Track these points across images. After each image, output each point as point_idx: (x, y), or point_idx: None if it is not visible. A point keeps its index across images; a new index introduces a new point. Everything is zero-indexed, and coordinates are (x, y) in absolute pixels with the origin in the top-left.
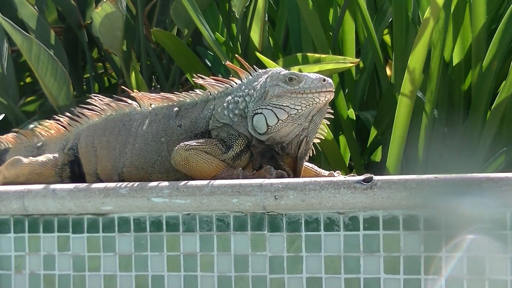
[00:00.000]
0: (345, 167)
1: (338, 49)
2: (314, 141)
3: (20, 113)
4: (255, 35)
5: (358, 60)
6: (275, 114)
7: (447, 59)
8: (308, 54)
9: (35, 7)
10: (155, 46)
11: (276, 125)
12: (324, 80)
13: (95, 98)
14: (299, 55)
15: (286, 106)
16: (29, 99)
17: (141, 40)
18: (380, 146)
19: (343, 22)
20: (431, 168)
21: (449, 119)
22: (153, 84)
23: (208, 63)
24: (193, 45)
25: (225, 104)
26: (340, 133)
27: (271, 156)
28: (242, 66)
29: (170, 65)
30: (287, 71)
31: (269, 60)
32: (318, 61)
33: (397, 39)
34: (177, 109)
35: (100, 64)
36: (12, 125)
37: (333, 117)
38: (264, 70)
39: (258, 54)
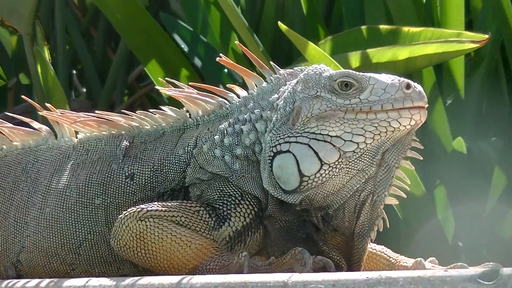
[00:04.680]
0: (447, 242)
1: (430, 20)
2: (386, 202)
3: None
4: None
5: (486, 36)
6: (316, 152)
7: None
8: (381, 26)
9: None
10: (80, 11)
11: (317, 175)
12: (408, 86)
13: None
14: (364, 28)
15: (337, 137)
16: None
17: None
18: None
19: None
20: None
21: None
22: (74, 86)
23: (183, 45)
24: (154, 11)
25: (216, 137)
26: (438, 182)
27: (305, 235)
28: (246, 63)
29: (108, 50)
30: (335, 72)
31: (304, 40)
32: (404, 37)
33: None
34: (127, 143)
35: None
36: None
37: (421, 158)
38: (289, 71)
39: (283, 26)
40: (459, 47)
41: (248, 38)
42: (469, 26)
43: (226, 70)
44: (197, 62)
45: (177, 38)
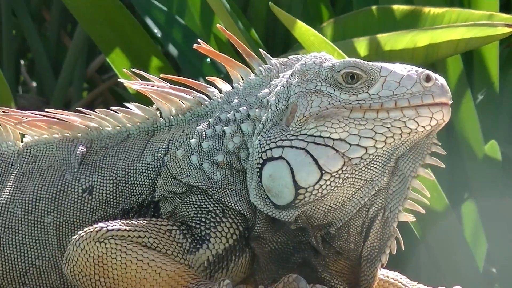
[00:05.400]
0: (477, 268)
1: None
2: (400, 219)
3: None
4: None
5: None
6: (315, 159)
7: None
8: (396, 6)
9: None
10: None
11: (317, 186)
12: (428, 78)
13: None
14: (375, 8)
15: (340, 140)
16: None
17: None
18: None
19: None
20: None
21: None
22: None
23: (155, 30)
24: None
25: (193, 141)
26: (467, 195)
27: (301, 260)
28: (232, 51)
29: (64, 36)
30: (339, 61)
31: (294, 19)
32: (424, 20)
33: None
34: (84, 148)
35: None
36: None
37: (443, 165)
38: (283, 60)
39: (274, 7)
40: (490, 32)
41: (229, 22)
42: (507, 6)
43: (208, 60)
44: (172, 50)
45: (148, 21)
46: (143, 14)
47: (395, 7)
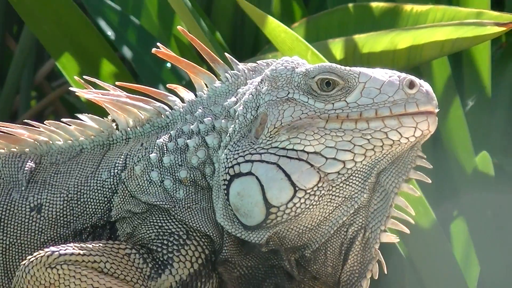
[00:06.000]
0: None
1: None
2: (383, 240)
3: None
4: None
5: None
6: (287, 174)
7: None
8: (374, 4)
9: None
10: None
11: (290, 205)
12: (411, 84)
13: None
14: (352, 6)
15: (315, 153)
16: None
17: None
18: None
19: None
20: None
21: None
22: None
23: (109, 32)
24: None
25: (153, 156)
26: (456, 213)
27: (273, 286)
28: (195, 55)
29: (8, 38)
30: (313, 66)
31: (265, 15)
32: (405, 19)
33: None
34: (32, 164)
35: None
36: None
37: (429, 180)
38: (251, 65)
39: (242, 0)
40: (479, 32)
41: (192, 23)
42: (499, 3)
43: (168, 65)
44: (127, 53)
45: (101, 23)
46: (95, 15)
47: (374, 4)
